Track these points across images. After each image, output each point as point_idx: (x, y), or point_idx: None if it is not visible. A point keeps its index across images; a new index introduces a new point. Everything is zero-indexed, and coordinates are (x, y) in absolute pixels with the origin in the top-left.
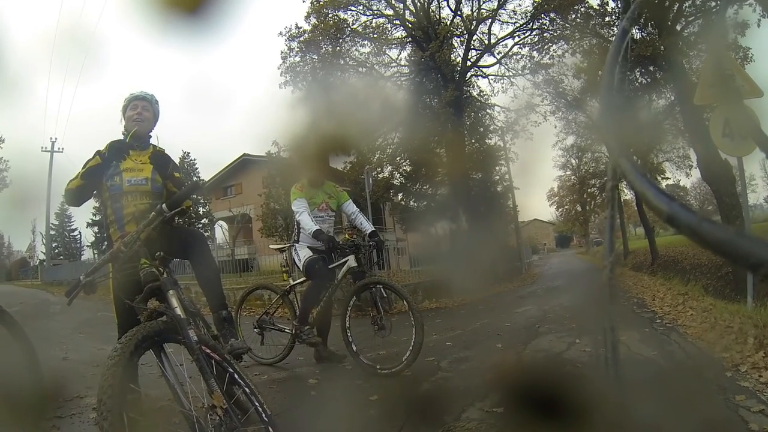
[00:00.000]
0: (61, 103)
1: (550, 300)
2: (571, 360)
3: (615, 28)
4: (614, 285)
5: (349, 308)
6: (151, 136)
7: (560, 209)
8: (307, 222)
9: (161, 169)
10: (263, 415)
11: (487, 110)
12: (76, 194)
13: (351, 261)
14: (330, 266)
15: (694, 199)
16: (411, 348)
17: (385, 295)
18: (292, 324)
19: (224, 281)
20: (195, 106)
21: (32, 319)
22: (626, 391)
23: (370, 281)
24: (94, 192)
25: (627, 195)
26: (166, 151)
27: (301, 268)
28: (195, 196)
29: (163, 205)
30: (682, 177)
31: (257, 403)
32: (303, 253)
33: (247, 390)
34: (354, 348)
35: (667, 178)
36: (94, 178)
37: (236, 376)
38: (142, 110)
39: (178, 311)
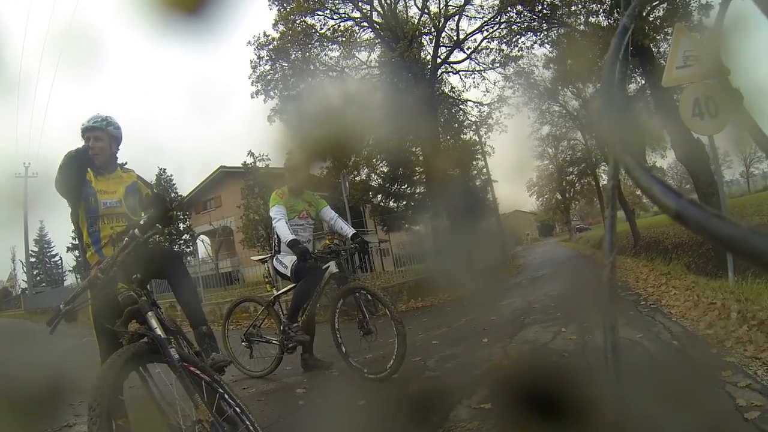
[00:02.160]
0: (33, 124)
1: (535, 290)
2: (557, 350)
3: (581, 17)
4: (614, 285)
5: (338, 310)
6: (116, 158)
7: (540, 199)
8: (284, 230)
9: (132, 194)
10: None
11: (460, 106)
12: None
13: (332, 267)
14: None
15: (672, 179)
16: (394, 358)
17: (369, 298)
18: (280, 325)
19: (209, 296)
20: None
21: (16, 348)
22: (625, 389)
23: (354, 286)
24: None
25: (603, 180)
26: (134, 172)
27: (289, 275)
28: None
29: (136, 230)
30: (658, 158)
31: (248, 422)
32: (288, 260)
33: (237, 409)
34: (344, 350)
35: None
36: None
37: (226, 395)
38: (93, 142)
39: (158, 332)
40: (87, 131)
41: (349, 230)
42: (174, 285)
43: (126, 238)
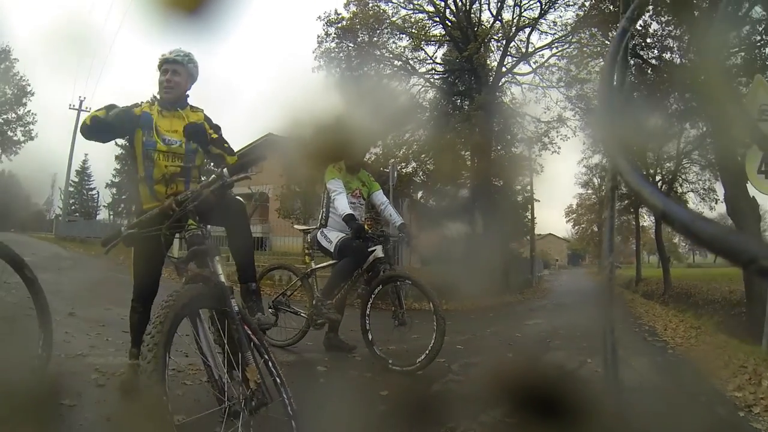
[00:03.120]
0: (94, 65)
1: (561, 316)
2: (583, 379)
3: (655, 50)
4: (613, 286)
5: (373, 296)
6: (188, 96)
7: (576, 227)
8: (343, 204)
9: (197, 138)
10: (289, 408)
11: (518, 118)
12: (95, 126)
13: (378, 251)
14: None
15: None
16: (427, 353)
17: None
18: (312, 299)
19: None
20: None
21: (41, 271)
22: (625, 394)
23: (398, 274)
24: (119, 140)
25: (646, 221)
26: (204, 112)
27: (332, 250)
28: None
29: (225, 170)
30: (706, 209)
31: (285, 396)
32: (334, 236)
33: (278, 380)
34: (370, 337)
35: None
36: (123, 122)
37: (270, 363)
38: (171, 75)
39: (223, 278)
40: (167, 63)
41: (398, 218)
42: (233, 236)
43: (213, 176)
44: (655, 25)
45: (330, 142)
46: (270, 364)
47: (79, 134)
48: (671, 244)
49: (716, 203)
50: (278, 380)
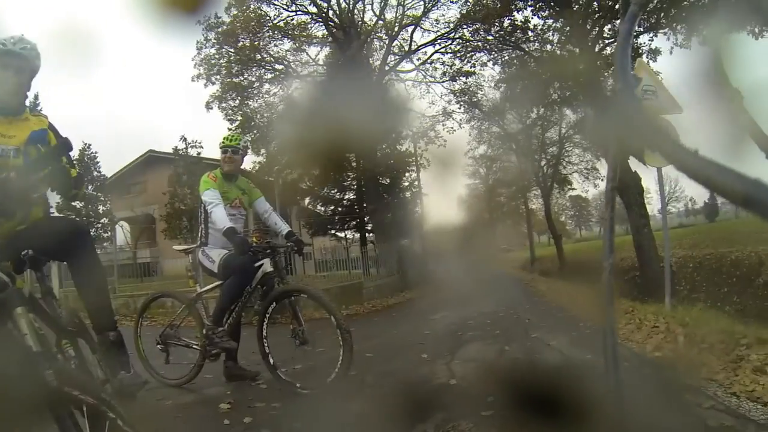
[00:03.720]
0: None
1: (466, 306)
2: (505, 369)
3: (537, 44)
4: (612, 287)
5: (267, 315)
6: (27, 96)
7: (469, 216)
8: (222, 217)
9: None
10: None
11: (402, 115)
12: None
13: (266, 265)
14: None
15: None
16: (337, 371)
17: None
18: (202, 328)
19: (123, 287)
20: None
21: None
22: (624, 392)
23: (293, 288)
24: None
25: (534, 204)
26: (46, 118)
27: (216, 270)
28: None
29: (12, 173)
30: (590, 188)
31: None
32: (216, 254)
33: (119, 421)
34: (271, 360)
35: (574, 189)
36: None
37: (119, 422)
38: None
39: (29, 341)
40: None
41: (284, 227)
42: (76, 273)
43: None
44: (536, 20)
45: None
46: (119, 422)
47: None
48: (558, 223)
49: (600, 180)
50: None
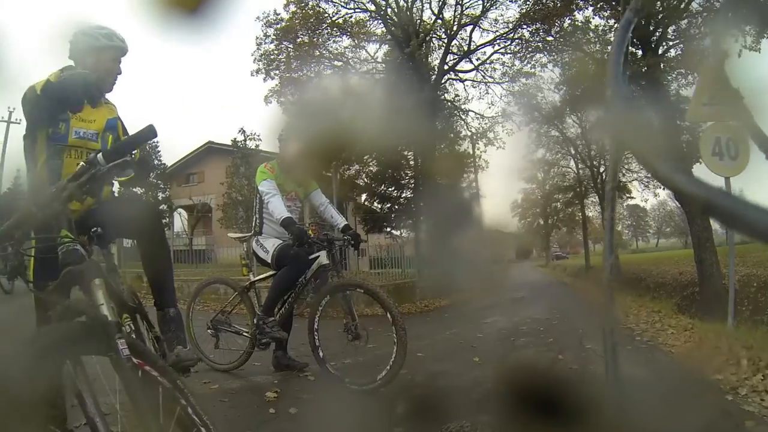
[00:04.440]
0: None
1: (518, 311)
2: (560, 378)
3: (598, 45)
4: (613, 287)
5: (320, 308)
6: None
7: (522, 221)
8: (279, 207)
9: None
10: None
11: (461, 116)
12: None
13: (322, 258)
14: (311, 256)
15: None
16: (389, 368)
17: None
18: (253, 319)
19: (179, 271)
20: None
21: None
22: (626, 392)
23: (348, 283)
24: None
25: (590, 211)
26: (115, 107)
27: (269, 260)
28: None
29: (99, 155)
30: (650, 197)
31: (201, 425)
32: (270, 243)
33: (189, 409)
34: (321, 354)
35: (633, 198)
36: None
37: (190, 410)
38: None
39: (104, 310)
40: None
41: (340, 220)
42: (145, 251)
43: (82, 164)
44: (598, 20)
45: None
46: (190, 411)
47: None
48: (615, 232)
49: (662, 189)
50: (203, 431)
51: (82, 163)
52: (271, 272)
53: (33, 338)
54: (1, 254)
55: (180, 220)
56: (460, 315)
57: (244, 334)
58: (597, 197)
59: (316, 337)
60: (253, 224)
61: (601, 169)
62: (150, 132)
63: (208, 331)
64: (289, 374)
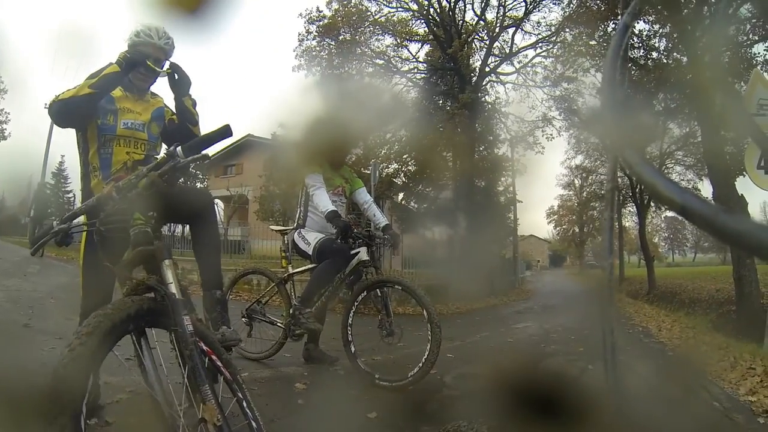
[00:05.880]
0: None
1: (550, 319)
2: (589, 388)
3: (642, 50)
4: (612, 287)
5: (356, 304)
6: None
7: (558, 228)
8: (324, 200)
9: (158, 120)
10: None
11: (501, 118)
12: (77, 105)
13: (363, 254)
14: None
15: (690, 234)
16: (421, 365)
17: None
18: (289, 307)
19: None
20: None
21: (5, 277)
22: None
23: (387, 279)
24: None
25: (627, 221)
26: (161, 98)
27: (310, 252)
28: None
29: (178, 149)
30: None
31: (252, 419)
32: (312, 236)
33: (249, 414)
34: (352, 349)
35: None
36: (110, 89)
37: (244, 403)
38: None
39: (173, 289)
40: (149, 48)
41: (382, 219)
42: (197, 235)
43: (164, 154)
44: (642, 24)
45: (315, 141)
46: (244, 404)
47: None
48: (651, 244)
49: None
50: (254, 425)
51: (163, 154)
52: (311, 265)
53: (109, 309)
54: (59, 228)
55: (217, 211)
56: (491, 319)
57: (278, 324)
58: (635, 207)
59: (349, 332)
60: (297, 216)
61: None
62: (226, 131)
63: (242, 319)
64: (319, 367)
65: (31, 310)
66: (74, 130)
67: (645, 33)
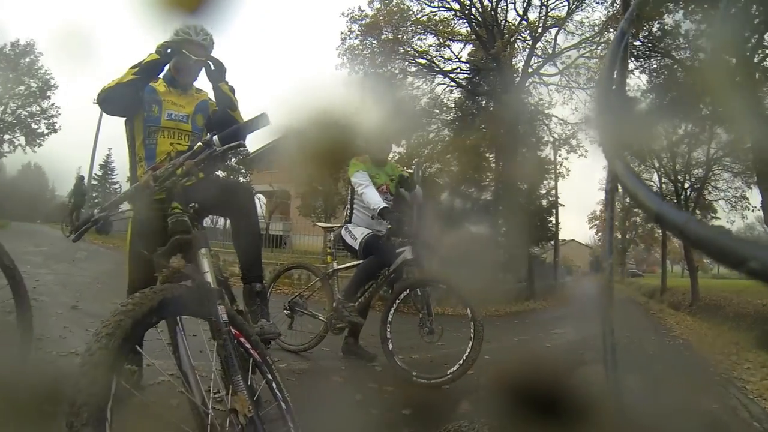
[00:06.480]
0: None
1: (589, 326)
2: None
3: (688, 51)
4: (612, 287)
5: (398, 301)
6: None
7: (600, 234)
8: (374, 197)
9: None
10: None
11: (544, 120)
12: (122, 92)
13: (408, 252)
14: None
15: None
16: (462, 362)
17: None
18: (332, 302)
19: None
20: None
21: (55, 261)
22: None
23: (432, 278)
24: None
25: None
26: (206, 92)
27: (356, 247)
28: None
29: (215, 137)
30: (737, 218)
31: (291, 425)
32: (359, 232)
33: (283, 405)
34: (390, 346)
35: (718, 218)
36: (151, 75)
37: (274, 384)
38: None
39: (209, 278)
40: (188, 45)
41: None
42: (238, 227)
43: (200, 143)
44: (688, 24)
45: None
46: (274, 386)
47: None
48: (696, 254)
49: (752, 211)
50: (283, 405)
51: (199, 143)
52: (356, 261)
53: (144, 295)
54: (99, 216)
55: (259, 205)
56: (530, 322)
57: (320, 318)
58: None
59: (388, 329)
60: (345, 214)
61: (686, 185)
62: (263, 120)
63: (284, 312)
64: (357, 362)
65: (78, 293)
66: (123, 123)
67: (692, 33)
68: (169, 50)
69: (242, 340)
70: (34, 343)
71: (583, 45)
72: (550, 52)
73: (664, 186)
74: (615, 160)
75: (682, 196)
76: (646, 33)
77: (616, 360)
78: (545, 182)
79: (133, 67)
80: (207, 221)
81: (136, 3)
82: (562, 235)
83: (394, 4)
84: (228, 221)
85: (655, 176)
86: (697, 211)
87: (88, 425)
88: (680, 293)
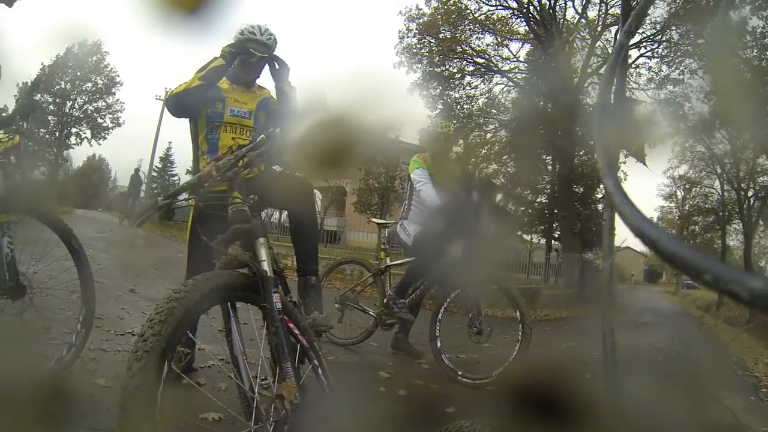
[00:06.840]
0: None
1: (639, 337)
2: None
3: (755, 50)
4: (612, 288)
5: (449, 300)
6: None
7: None
8: (432, 194)
9: (264, 109)
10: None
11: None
12: (189, 97)
13: (460, 252)
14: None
15: None
16: (508, 364)
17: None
18: (383, 297)
19: None
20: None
21: (115, 247)
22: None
23: (483, 278)
24: (194, 113)
25: (732, 240)
26: (268, 90)
27: (410, 243)
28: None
29: (277, 130)
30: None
31: (327, 386)
32: (413, 228)
33: (320, 370)
34: (438, 345)
35: None
36: (216, 80)
37: (320, 372)
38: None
39: (266, 266)
40: (253, 43)
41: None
42: (295, 220)
43: (261, 136)
44: (756, 21)
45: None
46: (320, 371)
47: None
48: (758, 267)
49: None
50: (328, 392)
51: (262, 136)
52: (408, 258)
53: (201, 279)
54: (162, 203)
55: (315, 199)
56: (579, 329)
57: (370, 313)
58: (741, 224)
59: (438, 328)
60: (402, 209)
61: (749, 194)
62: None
63: (335, 305)
64: (404, 358)
65: (136, 277)
66: (187, 119)
67: (759, 30)
68: (233, 52)
69: (291, 326)
70: (95, 321)
71: (644, 44)
72: (610, 51)
73: (726, 194)
74: (605, 177)
75: (744, 205)
76: (710, 31)
77: (616, 360)
78: (601, 186)
79: (199, 71)
80: (262, 214)
81: (136, 3)
82: (617, 241)
83: (451, 2)
84: (284, 215)
85: (717, 183)
86: (761, 222)
87: (139, 408)
88: (737, 308)
